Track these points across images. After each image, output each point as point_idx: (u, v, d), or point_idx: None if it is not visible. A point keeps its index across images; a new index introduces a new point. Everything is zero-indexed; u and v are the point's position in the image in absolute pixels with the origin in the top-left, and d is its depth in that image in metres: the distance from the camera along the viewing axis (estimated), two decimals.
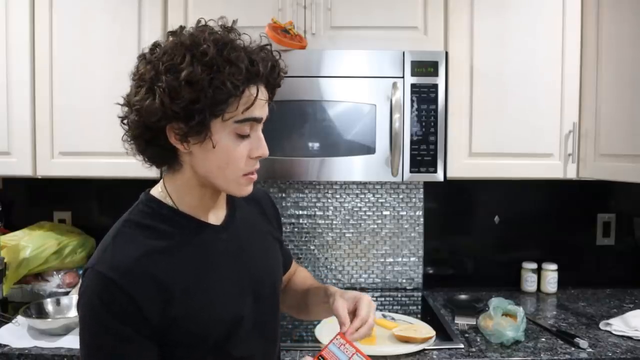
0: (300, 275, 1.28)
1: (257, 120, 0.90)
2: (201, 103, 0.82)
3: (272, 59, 0.91)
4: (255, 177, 0.94)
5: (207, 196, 0.96)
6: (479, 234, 2.22)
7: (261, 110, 0.90)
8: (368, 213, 2.19)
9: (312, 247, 2.18)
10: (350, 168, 1.75)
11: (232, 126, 0.87)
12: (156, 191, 0.97)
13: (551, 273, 2.10)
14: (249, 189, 0.95)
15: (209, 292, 0.92)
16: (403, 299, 2.09)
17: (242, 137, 0.89)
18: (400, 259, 2.20)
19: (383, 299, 2.08)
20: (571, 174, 1.85)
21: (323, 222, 2.18)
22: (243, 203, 1.07)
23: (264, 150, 0.92)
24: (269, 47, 0.93)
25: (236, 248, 1.00)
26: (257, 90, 0.88)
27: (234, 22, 0.97)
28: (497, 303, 1.65)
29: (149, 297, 0.84)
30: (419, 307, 2.01)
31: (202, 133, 0.85)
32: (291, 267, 1.28)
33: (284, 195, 2.18)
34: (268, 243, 1.11)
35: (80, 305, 0.86)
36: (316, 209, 2.18)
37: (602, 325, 1.70)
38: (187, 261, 0.91)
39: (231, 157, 0.89)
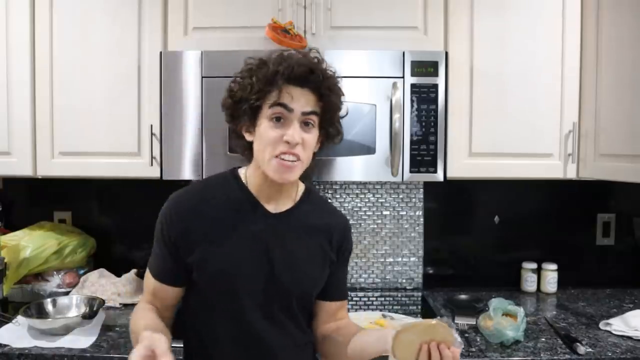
0: (350, 331, 1.21)
1: (282, 105, 1.07)
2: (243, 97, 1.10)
3: (289, 62, 1.08)
4: (286, 164, 1.08)
5: (266, 184, 1.14)
6: (479, 234, 2.22)
7: (291, 101, 1.07)
8: (368, 213, 2.19)
9: None
10: (350, 168, 1.75)
11: (268, 111, 1.09)
12: (242, 169, 1.21)
13: (551, 273, 2.10)
14: (283, 176, 1.09)
15: (223, 265, 1.12)
16: (403, 299, 2.09)
17: (277, 123, 1.09)
18: (400, 259, 2.20)
19: (383, 299, 2.08)
20: (571, 174, 1.85)
21: None
22: (313, 211, 1.22)
23: (288, 136, 1.07)
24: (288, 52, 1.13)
25: (274, 237, 1.15)
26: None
27: (311, 49, 1.16)
28: (497, 303, 1.65)
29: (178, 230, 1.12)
30: (419, 307, 2.01)
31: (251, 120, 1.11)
32: (338, 308, 1.26)
33: None
34: (312, 253, 1.19)
35: None
36: None
37: (602, 325, 1.70)
38: (219, 230, 1.13)
39: (265, 138, 1.08)
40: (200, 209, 1.14)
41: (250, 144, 1.14)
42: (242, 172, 1.20)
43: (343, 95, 1.16)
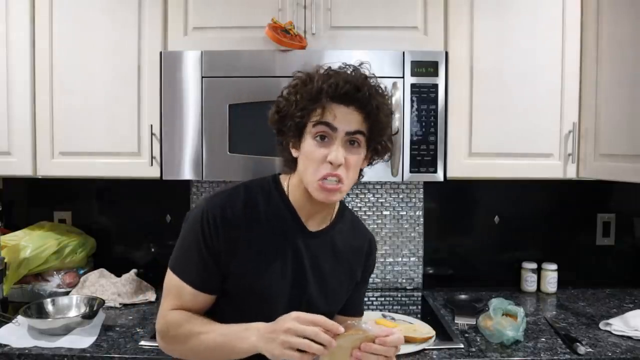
0: None
1: (325, 124, 1.04)
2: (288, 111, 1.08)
3: (335, 79, 1.05)
4: (328, 186, 1.05)
5: (309, 201, 1.11)
6: (479, 234, 2.22)
7: (334, 120, 1.04)
8: (368, 213, 2.19)
9: None
10: None
11: (312, 129, 1.06)
12: (285, 176, 1.17)
13: (551, 273, 2.10)
14: (327, 197, 1.06)
15: (262, 279, 1.09)
16: (403, 299, 2.09)
17: (321, 142, 1.05)
18: (400, 259, 2.20)
19: (383, 299, 2.08)
20: (571, 174, 1.85)
21: None
22: (346, 230, 1.21)
23: (331, 156, 1.04)
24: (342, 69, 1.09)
25: (310, 255, 1.14)
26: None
27: (362, 63, 1.11)
28: (497, 303, 1.65)
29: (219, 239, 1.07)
30: (419, 307, 2.00)
31: (296, 136, 1.08)
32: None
33: None
34: (341, 274, 1.19)
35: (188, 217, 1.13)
36: None
37: (602, 325, 1.70)
38: (261, 241, 1.10)
39: (309, 157, 1.06)
40: (244, 218, 1.10)
41: (296, 158, 1.12)
42: (284, 181, 1.17)
43: (392, 113, 1.13)
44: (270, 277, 1.10)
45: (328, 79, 1.05)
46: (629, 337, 1.61)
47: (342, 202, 1.25)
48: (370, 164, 1.17)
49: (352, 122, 1.05)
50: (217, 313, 1.11)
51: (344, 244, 1.20)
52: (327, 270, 1.16)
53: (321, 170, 1.04)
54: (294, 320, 0.95)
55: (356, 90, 1.04)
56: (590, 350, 1.52)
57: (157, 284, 2.03)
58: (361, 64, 1.10)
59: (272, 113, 1.12)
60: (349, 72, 1.07)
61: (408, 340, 1.53)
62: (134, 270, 2.02)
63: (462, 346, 1.55)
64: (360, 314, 1.31)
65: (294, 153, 1.12)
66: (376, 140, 1.10)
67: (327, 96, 1.04)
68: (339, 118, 1.04)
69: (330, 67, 1.09)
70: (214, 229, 1.07)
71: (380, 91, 1.09)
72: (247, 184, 1.16)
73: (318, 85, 1.04)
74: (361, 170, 1.16)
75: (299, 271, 1.13)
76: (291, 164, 1.14)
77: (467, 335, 1.63)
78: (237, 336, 1.02)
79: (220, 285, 1.11)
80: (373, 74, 1.09)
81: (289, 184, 1.15)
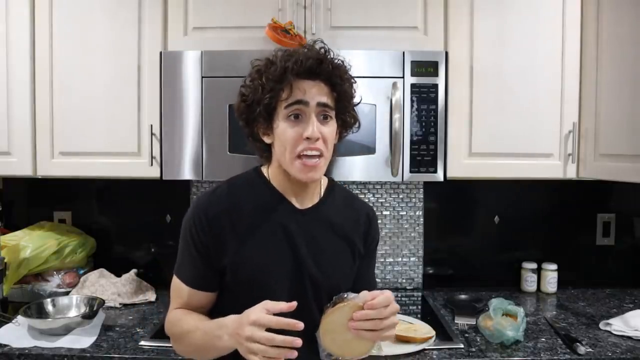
0: None
1: (297, 103, 1.07)
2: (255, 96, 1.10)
3: (296, 56, 1.08)
4: (310, 163, 1.08)
5: (291, 182, 1.14)
6: (479, 234, 2.22)
7: (304, 94, 1.07)
8: None
9: None
10: (350, 168, 1.75)
11: (284, 111, 1.08)
12: (265, 167, 1.20)
13: (551, 273, 2.10)
14: (308, 175, 1.09)
15: (258, 267, 1.11)
16: (403, 299, 2.09)
17: (295, 120, 1.08)
18: (400, 259, 2.20)
19: None
20: (571, 174, 1.85)
21: None
22: (339, 204, 1.22)
23: (307, 132, 1.07)
24: (304, 46, 1.13)
25: (303, 233, 1.14)
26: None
27: (316, 41, 1.15)
28: (497, 303, 1.65)
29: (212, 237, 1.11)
30: (419, 307, 2.00)
31: (267, 121, 1.10)
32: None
33: None
34: (340, 247, 1.19)
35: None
36: None
37: (602, 325, 1.70)
38: (250, 232, 1.12)
39: (285, 138, 1.08)
40: (229, 212, 1.13)
41: (269, 145, 1.15)
42: (264, 170, 1.20)
43: (355, 82, 1.16)
44: (266, 263, 1.12)
45: (290, 58, 1.08)
46: (629, 337, 1.61)
47: (330, 179, 1.27)
48: (341, 138, 1.20)
49: (321, 93, 1.09)
50: (223, 308, 1.13)
51: (338, 219, 1.21)
52: (325, 246, 1.17)
53: (299, 147, 1.08)
54: (252, 325, 0.96)
55: (319, 63, 1.09)
56: (590, 350, 1.52)
57: (157, 284, 2.03)
58: (315, 41, 1.14)
59: (238, 103, 1.14)
60: (307, 49, 1.11)
61: (408, 340, 1.54)
62: (134, 270, 2.02)
63: (462, 346, 1.55)
64: (373, 288, 1.26)
65: (267, 140, 1.14)
66: (344, 110, 1.15)
67: (293, 73, 1.07)
68: (308, 92, 1.08)
69: (287, 49, 1.13)
70: (201, 229, 1.11)
71: (340, 63, 1.13)
72: (230, 180, 1.20)
73: (282, 65, 1.07)
74: (335, 146, 1.18)
75: (294, 250, 1.14)
76: (267, 153, 1.17)
77: (467, 335, 1.63)
78: (214, 335, 1.05)
79: (217, 283, 1.14)
80: (330, 49, 1.13)
81: (269, 171, 1.19)
